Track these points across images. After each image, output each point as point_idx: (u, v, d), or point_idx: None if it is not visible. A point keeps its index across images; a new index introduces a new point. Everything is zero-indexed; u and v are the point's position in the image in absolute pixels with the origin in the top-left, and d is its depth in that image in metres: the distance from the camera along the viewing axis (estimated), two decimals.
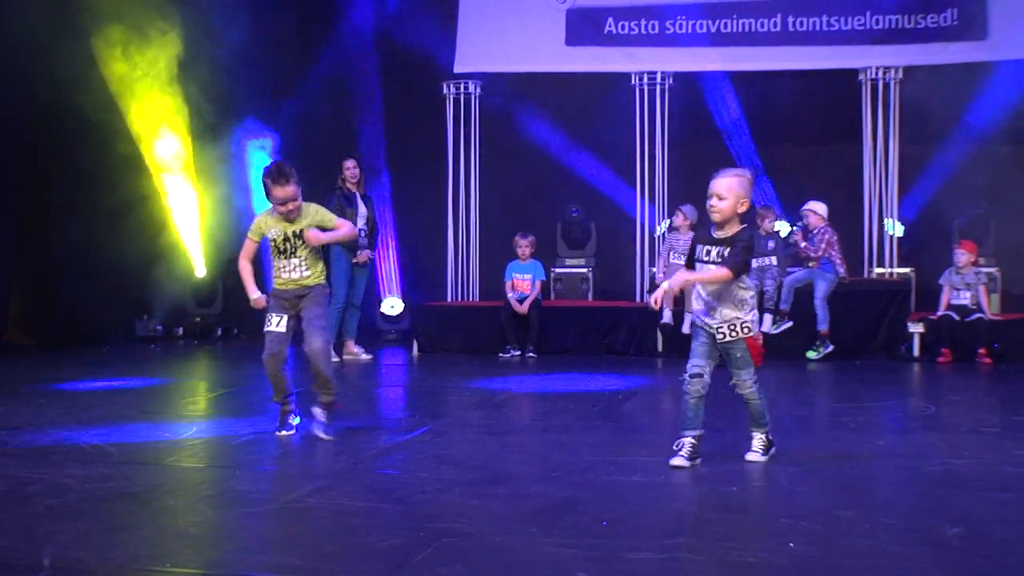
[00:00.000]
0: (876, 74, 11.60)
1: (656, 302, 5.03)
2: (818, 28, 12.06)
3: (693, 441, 4.83)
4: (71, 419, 6.18)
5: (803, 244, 10.34)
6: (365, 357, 10.30)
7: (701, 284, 4.84)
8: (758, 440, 4.99)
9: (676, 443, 4.86)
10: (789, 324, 10.33)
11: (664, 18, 12.36)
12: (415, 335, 11.41)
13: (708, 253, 4.84)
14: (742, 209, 4.81)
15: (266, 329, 5.74)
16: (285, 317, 5.73)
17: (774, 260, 10.55)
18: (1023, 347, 10.07)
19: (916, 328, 10.30)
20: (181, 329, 12.70)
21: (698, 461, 4.83)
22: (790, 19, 12.11)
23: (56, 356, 10.24)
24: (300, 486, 4.46)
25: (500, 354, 10.65)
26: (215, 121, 11.94)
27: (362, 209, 10.22)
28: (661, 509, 4.17)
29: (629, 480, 4.57)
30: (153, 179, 11.92)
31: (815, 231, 10.35)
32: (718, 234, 4.84)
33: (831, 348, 10.16)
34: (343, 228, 5.89)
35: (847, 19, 12.00)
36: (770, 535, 3.62)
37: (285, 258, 5.75)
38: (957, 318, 10.10)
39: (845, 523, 3.80)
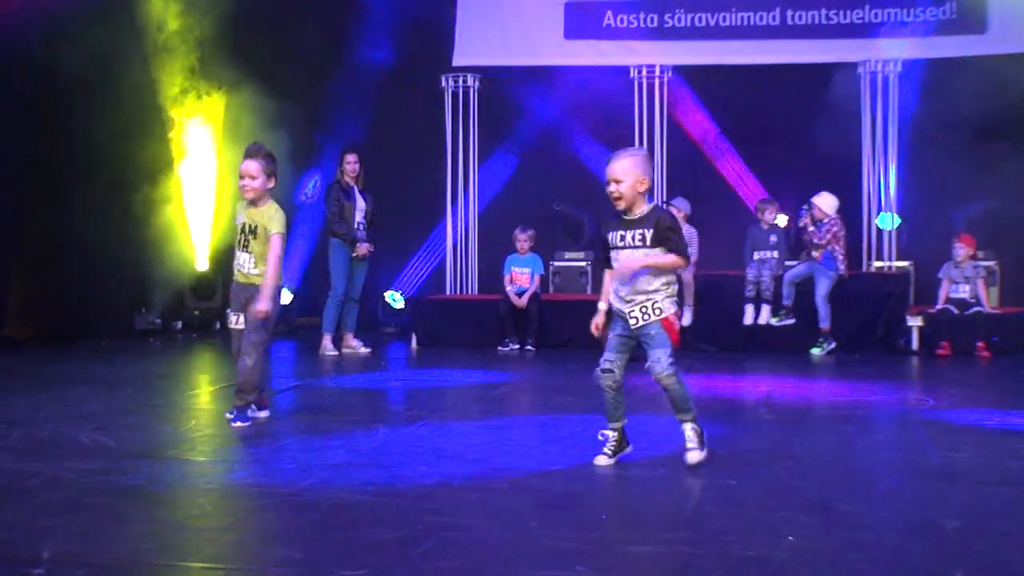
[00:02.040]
0: (875, 67, 11.60)
1: (597, 328, 4.95)
2: (817, 21, 12.07)
3: (615, 435, 4.78)
4: (70, 413, 6.18)
5: (811, 228, 10.34)
6: (364, 351, 10.30)
7: (618, 273, 4.71)
8: (689, 430, 4.71)
9: (601, 433, 4.81)
10: (792, 321, 10.34)
11: (662, 11, 12.37)
12: (414, 329, 11.41)
13: (623, 238, 4.70)
14: (643, 188, 4.69)
15: (229, 326, 6.01)
16: (242, 315, 5.89)
17: (775, 254, 10.57)
18: (1022, 340, 10.09)
19: (915, 321, 10.32)
20: (180, 323, 12.69)
21: (629, 448, 4.81)
22: (788, 13, 12.12)
23: (55, 350, 10.23)
24: (299, 479, 4.46)
25: (499, 347, 10.66)
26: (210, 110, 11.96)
27: (360, 203, 10.22)
28: (660, 503, 4.17)
29: (628, 474, 4.58)
30: (154, 172, 11.90)
31: (825, 221, 10.35)
32: (628, 217, 4.72)
33: (834, 345, 10.17)
34: (270, 273, 5.70)
35: (845, 12, 12.01)
36: (769, 529, 3.62)
37: (240, 249, 5.83)
38: (956, 312, 10.11)
39: (844, 517, 3.81)
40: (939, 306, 10.27)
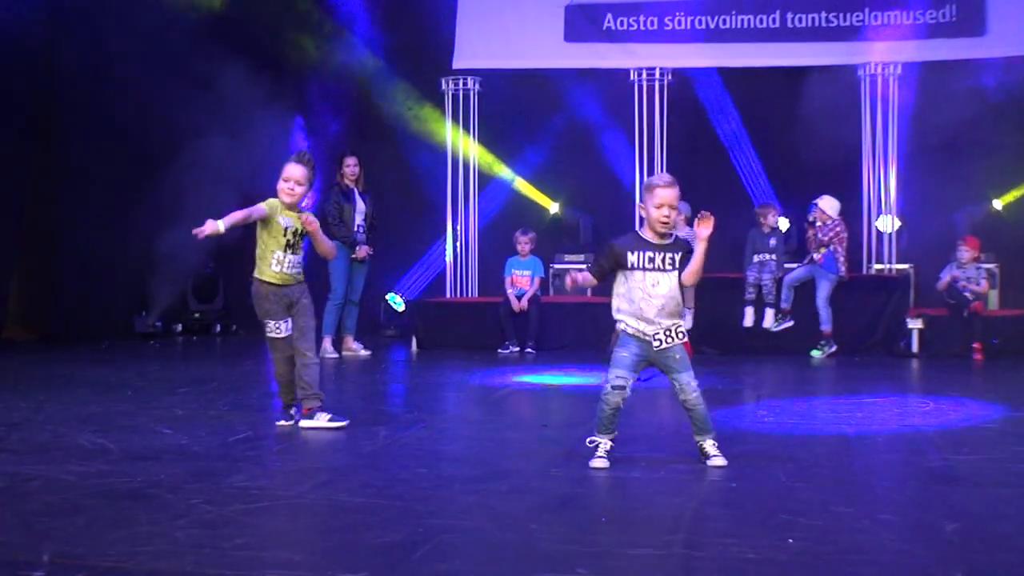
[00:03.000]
0: (874, 70, 11.59)
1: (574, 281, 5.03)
2: (816, 24, 12.06)
3: (609, 444, 4.78)
4: (70, 415, 6.18)
5: (819, 224, 10.36)
6: (364, 353, 10.30)
7: (643, 295, 4.72)
8: (711, 446, 4.80)
9: (590, 441, 4.80)
10: (790, 323, 10.35)
11: (663, 14, 12.35)
12: (414, 331, 11.41)
13: (651, 260, 4.74)
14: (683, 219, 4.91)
15: (273, 336, 5.84)
16: (289, 320, 5.83)
17: (775, 256, 10.58)
18: (1021, 343, 10.09)
19: (915, 324, 10.32)
20: (180, 325, 12.69)
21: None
22: (788, 15, 12.10)
23: (55, 352, 10.23)
24: (299, 482, 4.46)
25: (499, 350, 10.66)
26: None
27: (360, 205, 10.22)
28: (660, 505, 4.17)
29: (628, 476, 4.57)
30: (154, 173, 11.90)
31: (827, 223, 10.36)
32: (659, 240, 4.79)
33: (835, 348, 10.18)
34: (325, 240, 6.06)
35: (845, 15, 11.99)
36: (769, 531, 3.62)
37: (292, 253, 5.79)
38: (969, 295, 10.09)
39: (844, 519, 3.80)
40: (944, 282, 10.25)
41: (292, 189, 5.75)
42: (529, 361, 10.06)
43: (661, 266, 4.74)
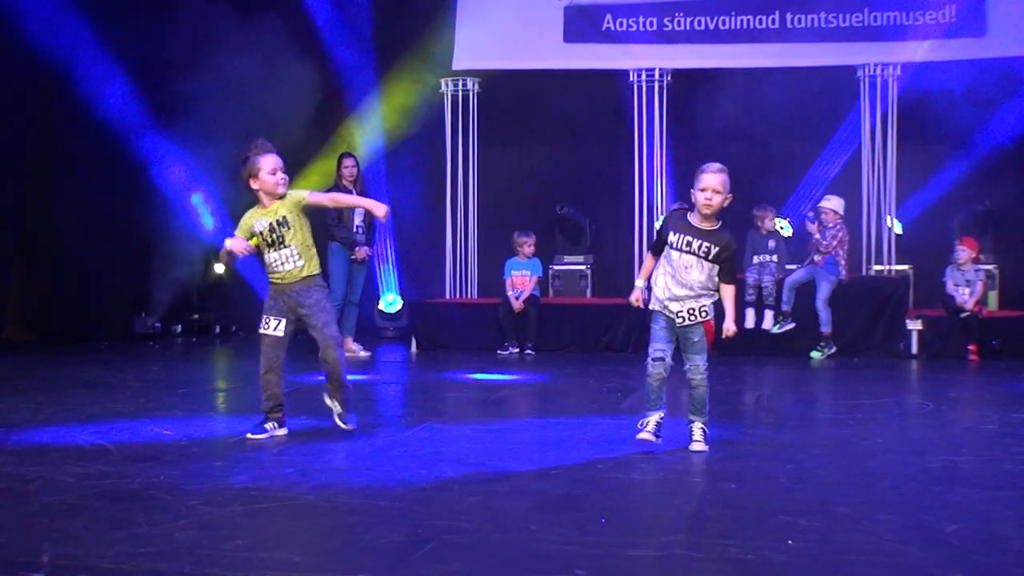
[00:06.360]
0: (874, 71, 11.60)
1: (637, 301, 5.35)
2: (816, 25, 12.06)
3: (658, 420, 5.09)
4: (69, 416, 6.18)
5: (816, 236, 10.36)
6: (363, 354, 10.30)
7: (673, 273, 5.04)
8: (699, 430, 5.13)
9: (641, 422, 5.11)
10: (792, 325, 10.34)
11: (662, 15, 12.35)
12: (414, 332, 11.41)
13: (689, 244, 5.04)
14: (727, 203, 5.09)
15: (263, 332, 5.51)
16: (284, 320, 5.49)
17: (774, 258, 10.58)
18: (1020, 343, 10.09)
19: (914, 325, 10.32)
20: (180, 326, 12.69)
21: (659, 439, 5.08)
22: (788, 16, 12.10)
23: (54, 353, 10.23)
24: (298, 483, 4.46)
25: (498, 351, 10.66)
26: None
27: None
28: (660, 506, 4.17)
29: (628, 477, 4.57)
30: (152, 176, 11.91)
31: (831, 226, 10.36)
32: (703, 226, 5.08)
33: (834, 349, 10.18)
34: (348, 200, 5.81)
35: (845, 16, 11.99)
36: (768, 532, 3.62)
37: (275, 250, 5.47)
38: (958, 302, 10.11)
39: (843, 520, 3.80)
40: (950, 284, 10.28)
41: (286, 179, 5.50)
42: (528, 362, 10.05)
43: (696, 252, 5.02)
